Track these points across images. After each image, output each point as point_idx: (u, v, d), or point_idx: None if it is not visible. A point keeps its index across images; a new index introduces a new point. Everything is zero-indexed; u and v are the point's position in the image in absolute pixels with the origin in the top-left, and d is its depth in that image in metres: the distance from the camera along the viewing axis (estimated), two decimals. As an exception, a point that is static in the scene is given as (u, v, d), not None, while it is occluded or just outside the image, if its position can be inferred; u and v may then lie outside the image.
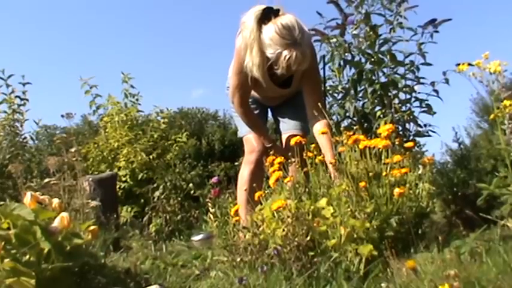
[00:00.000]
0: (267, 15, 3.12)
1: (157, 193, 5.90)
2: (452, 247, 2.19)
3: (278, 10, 3.16)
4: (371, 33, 4.34)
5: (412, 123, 4.30)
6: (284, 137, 3.67)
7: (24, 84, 6.65)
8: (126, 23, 28.29)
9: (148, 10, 29.72)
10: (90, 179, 4.55)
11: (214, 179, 4.99)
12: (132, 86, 7.62)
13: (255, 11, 3.15)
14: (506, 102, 2.18)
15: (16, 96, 6.60)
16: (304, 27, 3.18)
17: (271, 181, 2.89)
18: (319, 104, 3.27)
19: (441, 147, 4.46)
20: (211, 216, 4.04)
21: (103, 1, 28.09)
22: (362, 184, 2.62)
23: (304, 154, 3.02)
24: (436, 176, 3.72)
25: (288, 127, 3.71)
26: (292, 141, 3.14)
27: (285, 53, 3.05)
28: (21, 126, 6.70)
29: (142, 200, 6.35)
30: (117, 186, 5.94)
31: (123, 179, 6.54)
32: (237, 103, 3.50)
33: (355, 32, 4.36)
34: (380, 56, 4.33)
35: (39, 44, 25.19)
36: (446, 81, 4.27)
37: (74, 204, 3.44)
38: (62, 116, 4.32)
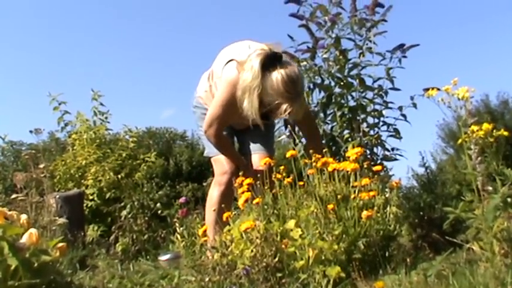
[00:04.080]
0: (272, 61, 3.10)
1: (124, 212, 5.85)
2: (419, 270, 2.21)
3: (281, 56, 3.15)
4: (341, 57, 4.37)
5: (379, 147, 4.34)
6: (253, 158, 3.66)
7: (-9, 100, 6.61)
8: (100, 41, 28.14)
9: (124, 29, 29.64)
10: (57, 196, 4.51)
11: (181, 199, 4.96)
12: (101, 104, 7.58)
13: (259, 53, 3.11)
14: (474, 128, 2.23)
15: (-18, 112, 6.56)
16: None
17: (241, 202, 2.90)
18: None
19: (407, 172, 4.50)
20: (179, 236, 4.03)
21: (74, 17, 27.95)
22: (330, 206, 2.64)
23: (273, 176, 3.03)
24: (402, 200, 3.75)
25: (255, 148, 3.70)
26: (262, 162, 3.16)
27: (285, 106, 3.07)
28: (-13, 141, 6.65)
29: (109, 219, 6.29)
30: (84, 205, 5.89)
31: (91, 197, 6.48)
32: (213, 133, 3.43)
33: (325, 56, 4.39)
34: (349, 80, 4.36)
35: (6, 59, 24.95)
36: (414, 105, 4.33)
37: (41, 221, 3.41)
38: (31, 131, 4.30)
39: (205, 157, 3.79)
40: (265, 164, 3.16)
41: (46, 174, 4.09)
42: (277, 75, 3.06)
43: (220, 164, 3.57)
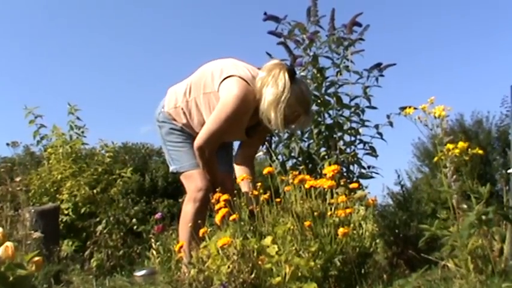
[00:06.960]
0: (293, 74, 3.14)
1: (99, 227, 5.81)
2: (395, 286, 2.23)
3: (295, 71, 3.22)
4: (318, 75, 4.41)
5: (356, 165, 4.37)
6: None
7: (-35, 112, 6.55)
8: (78, 54, 27.88)
9: (105, 43, 29.48)
10: (33, 210, 4.47)
11: (157, 215, 4.94)
12: (78, 118, 7.52)
13: (282, 67, 3.15)
14: (450, 146, 2.26)
15: (-44, 124, 6.51)
16: None
17: (218, 218, 2.88)
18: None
19: (383, 190, 4.53)
20: (154, 252, 4.00)
21: (50, 30, 27.71)
22: (307, 223, 2.65)
23: (250, 193, 3.04)
24: (378, 218, 3.77)
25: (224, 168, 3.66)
26: (239, 179, 3.16)
27: (303, 117, 3.16)
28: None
29: (84, 234, 6.23)
30: (59, 220, 5.83)
31: (66, 212, 6.41)
32: (211, 148, 3.32)
33: (303, 74, 4.42)
34: (326, 98, 4.40)
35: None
36: (390, 124, 4.38)
37: (16, 235, 3.38)
38: (8, 144, 4.27)
39: (171, 171, 3.64)
40: (242, 180, 3.17)
41: (22, 188, 4.06)
42: (301, 87, 3.14)
43: (194, 180, 3.46)
